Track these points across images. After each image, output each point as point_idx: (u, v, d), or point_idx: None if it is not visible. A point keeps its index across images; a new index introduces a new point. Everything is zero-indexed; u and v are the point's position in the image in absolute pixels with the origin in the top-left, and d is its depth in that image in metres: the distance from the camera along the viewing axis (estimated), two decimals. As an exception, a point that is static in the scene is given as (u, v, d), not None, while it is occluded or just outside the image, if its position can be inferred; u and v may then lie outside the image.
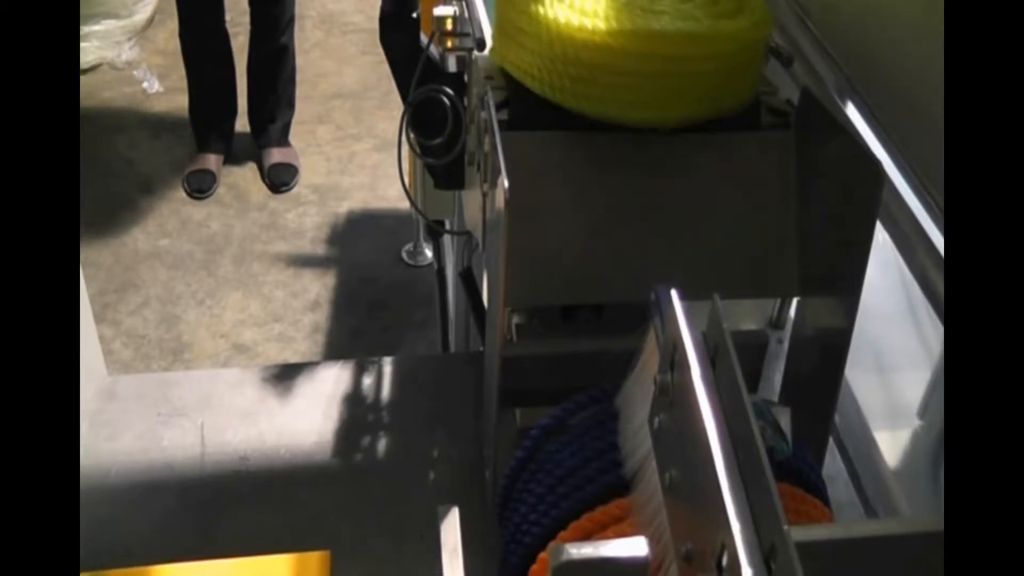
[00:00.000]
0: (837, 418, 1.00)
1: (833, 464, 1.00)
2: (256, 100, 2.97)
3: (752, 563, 0.43)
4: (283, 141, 3.00)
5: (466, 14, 0.99)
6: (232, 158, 3.02)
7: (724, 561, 0.44)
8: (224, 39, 2.87)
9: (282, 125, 2.99)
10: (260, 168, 2.96)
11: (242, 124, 3.03)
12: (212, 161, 2.96)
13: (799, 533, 0.43)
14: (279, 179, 2.92)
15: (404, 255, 2.69)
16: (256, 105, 2.97)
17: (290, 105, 2.99)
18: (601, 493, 0.70)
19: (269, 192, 2.91)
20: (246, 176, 2.97)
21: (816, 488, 0.73)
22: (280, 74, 2.91)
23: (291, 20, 2.86)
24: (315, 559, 0.82)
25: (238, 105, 3.00)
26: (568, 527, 0.69)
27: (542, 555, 0.70)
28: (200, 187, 2.90)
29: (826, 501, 0.74)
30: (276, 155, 2.95)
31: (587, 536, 0.68)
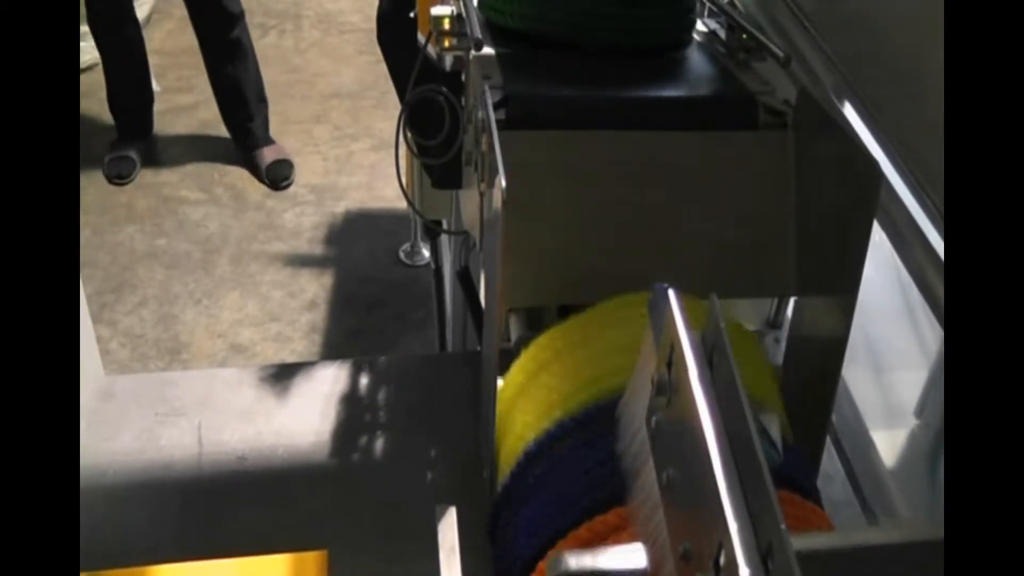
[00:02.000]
0: (834, 417, 1.00)
1: (830, 463, 1.00)
2: (227, 103, 2.92)
3: (750, 562, 0.43)
4: (268, 138, 2.98)
5: (463, 13, 0.99)
6: (229, 158, 3.02)
7: (722, 560, 0.44)
8: (134, 24, 2.84)
9: (262, 121, 2.95)
10: (256, 170, 2.95)
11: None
12: (132, 147, 2.95)
13: (799, 542, 0.43)
14: (279, 175, 2.91)
15: (401, 255, 2.69)
16: (229, 108, 2.92)
17: (261, 99, 2.94)
18: (590, 508, 0.69)
19: (266, 191, 2.91)
20: (243, 176, 2.97)
21: (811, 495, 0.73)
22: (242, 71, 2.85)
23: (241, 13, 2.78)
24: (313, 559, 0.82)
25: (153, 91, 3.00)
26: (568, 536, 0.69)
27: (541, 564, 0.70)
28: (120, 172, 2.89)
29: (821, 507, 0.74)
30: (268, 154, 2.94)
31: (586, 544, 0.67)
